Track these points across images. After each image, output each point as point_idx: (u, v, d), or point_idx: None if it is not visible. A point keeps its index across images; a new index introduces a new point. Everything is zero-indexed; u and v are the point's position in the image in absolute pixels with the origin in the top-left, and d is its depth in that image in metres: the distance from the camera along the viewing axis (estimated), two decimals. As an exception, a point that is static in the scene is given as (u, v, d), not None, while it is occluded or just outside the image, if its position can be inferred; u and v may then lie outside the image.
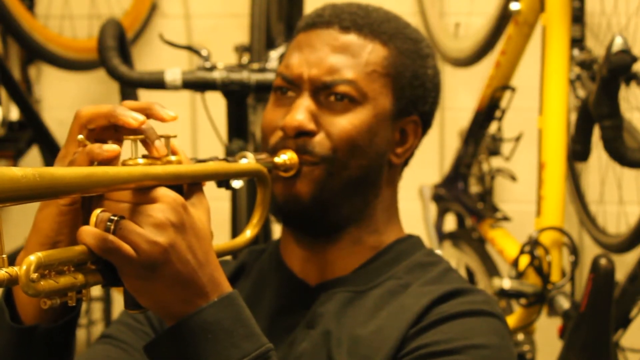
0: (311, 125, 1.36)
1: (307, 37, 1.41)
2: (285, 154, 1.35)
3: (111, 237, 1.02)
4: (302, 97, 1.38)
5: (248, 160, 1.30)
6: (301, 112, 1.36)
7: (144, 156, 1.10)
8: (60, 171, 0.95)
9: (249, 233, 1.32)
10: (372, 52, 1.39)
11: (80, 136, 1.08)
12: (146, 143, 1.11)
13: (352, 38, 1.39)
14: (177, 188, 1.10)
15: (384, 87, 1.39)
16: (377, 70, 1.39)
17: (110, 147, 1.06)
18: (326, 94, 1.37)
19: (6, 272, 0.93)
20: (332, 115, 1.37)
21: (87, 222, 1.05)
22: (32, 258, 0.95)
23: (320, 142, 1.36)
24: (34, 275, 0.95)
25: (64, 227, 1.09)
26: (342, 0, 1.47)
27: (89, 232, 1.02)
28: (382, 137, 1.39)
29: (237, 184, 1.28)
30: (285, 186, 1.36)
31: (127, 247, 1.03)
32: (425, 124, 1.46)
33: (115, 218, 1.03)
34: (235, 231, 2.12)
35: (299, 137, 1.36)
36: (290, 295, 1.42)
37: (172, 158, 1.13)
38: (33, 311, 1.13)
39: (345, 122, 1.36)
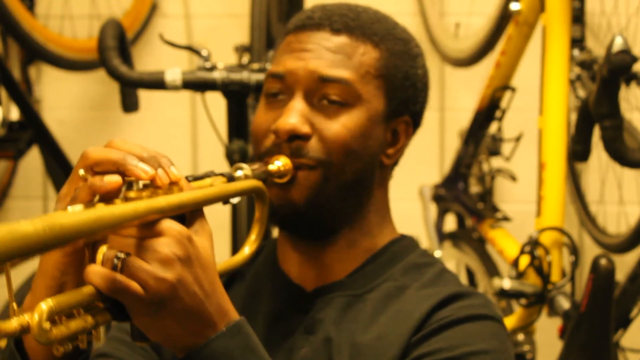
0: (305, 128, 1.34)
1: (297, 39, 1.39)
2: (279, 160, 1.34)
3: (119, 277, 1.01)
4: (294, 99, 1.35)
5: (243, 172, 1.29)
6: (294, 115, 1.34)
7: (144, 185, 1.09)
8: (68, 219, 0.94)
9: (247, 250, 1.32)
10: (364, 53, 1.38)
11: (81, 171, 1.07)
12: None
13: (343, 40, 1.38)
14: (179, 215, 1.10)
15: (377, 88, 1.38)
16: (370, 72, 1.37)
17: (111, 179, 1.05)
18: (319, 96, 1.35)
19: (18, 323, 0.93)
20: (326, 119, 1.35)
21: (92, 259, 1.04)
22: (44, 307, 0.95)
23: (314, 146, 1.34)
24: (46, 325, 0.94)
25: (69, 267, 1.09)
26: (331, 1, 1.46)
27: (97, 273, 1.02)
28: (375, 139, 1.38)
29: (234, 199, 1.28)
30: (281, 192, 1.35)
31: (135, 286, 1.02)
32: (415, 123, 1.45)
33: (122, 256, 1.02)
34: (235, 231, 2.12)
35: (292, 141, 1.34)
36: (287, 300, 1.41)
37: (173, 187, 1.11)
38: (44, 353, 1.11)
39: (339, 126, 1.35)
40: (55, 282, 1.09)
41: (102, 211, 1.00)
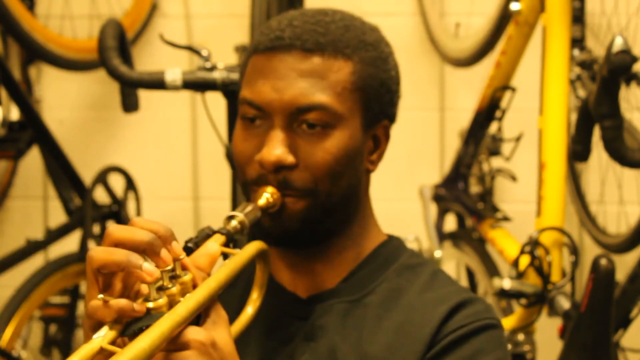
0: (290, 159, 1.34)
1: (268, 62, 1.37)
2: (266, 192, 1.34)
3: None
4: (274, 129, 1.35)
5: (237, 220, 1.30)
6: (278, 145, 1.34)
7: (159, 289, 1.12)
8: None
9: (250, 310, 1.35)
10: (338, 70, 1.36)
11: (100, 296, 1.09)
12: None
13: (316, 60, 1.36)
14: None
15: (355, 103, 1.37)
16: (346, 87, 1.36)
17: (140, 309, 1.09)
18: (299, 122, 1.35)
19: None
20: (309, 144, 1.35)
21: None
22: None
23: (300, 176, 1.35)
24: None
25: None
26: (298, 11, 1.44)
27: None
28: (358, 153, 1.39)
29: None
30: (273, 220, 1.36)
31: None
32: (391, 122, 1.46)
33: None
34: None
35: (278, 172, 1.34)
36: (282, 307, 1.42)
37: (185, 278, 1.14)
38: None
39: (323, 153, 1.35)
40: None
41: (134, 351, 1.03)
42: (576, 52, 2.27)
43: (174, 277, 1.14)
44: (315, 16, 1.40)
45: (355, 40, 1.39)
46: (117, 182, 2.78)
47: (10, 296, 2.51)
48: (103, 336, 1.06)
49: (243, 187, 1.39)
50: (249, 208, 1.33)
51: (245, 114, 1.38)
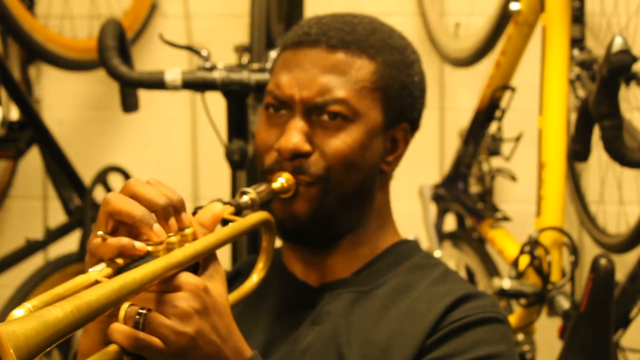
0: (306, 147, 1.39)
1: (294, 56, 1.43)
2: (282, 177, 1.39)
3: (142, 335, 1.07)
4: (294, 118, 1.40)
5: (249, 197, 1.34)
6: (295, 134, 1.39)
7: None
8: (93, 295, 0.97)
9: (255, 278, 1.37)
10: (360, 68, 1.41)
11: (100, 233, 1.11)
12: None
13: (340, 57, 1.41)
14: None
15: (374, 101, 1.42)
16: (366, 86, 1.41)
17: (142, 247, 1.10)
18: (318, 113, 1.40)
19: None
20: (326, 134, 1.40)
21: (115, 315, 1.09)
22: None
23: (315, 162, 1.39)
24: None
25: (106, 325, 1.13)
26: (328, 6, 1.48)
27: (120, 331, 1.07)
28: (374, 150, 1.43)
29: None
30: (284, 206, 1.40)
31: (156, 341, 1.08)
32: (413, 128, 1.49)
33: (143, 312, 1.07)
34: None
35: (294, 159, 1.39)
36: (293, 295, 1.45)
37: (186, 231, 1.17)
38: None
39: (339, 142, 1.39)
40: (97, 339, 1.15)
41: (125, 279, 1.03)
42: (576, 52, 2.27)
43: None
44: (344, 17, 1.46)
45: (380, 43, 1.43)
46: (117, 182, 2.78)
47: (10, 296, 2.51)
48: (99, 271, 1.07)
49: (261, 175, 1.43)
50: (262, 188, 1.37)
51: (268, 103, 1.43)
